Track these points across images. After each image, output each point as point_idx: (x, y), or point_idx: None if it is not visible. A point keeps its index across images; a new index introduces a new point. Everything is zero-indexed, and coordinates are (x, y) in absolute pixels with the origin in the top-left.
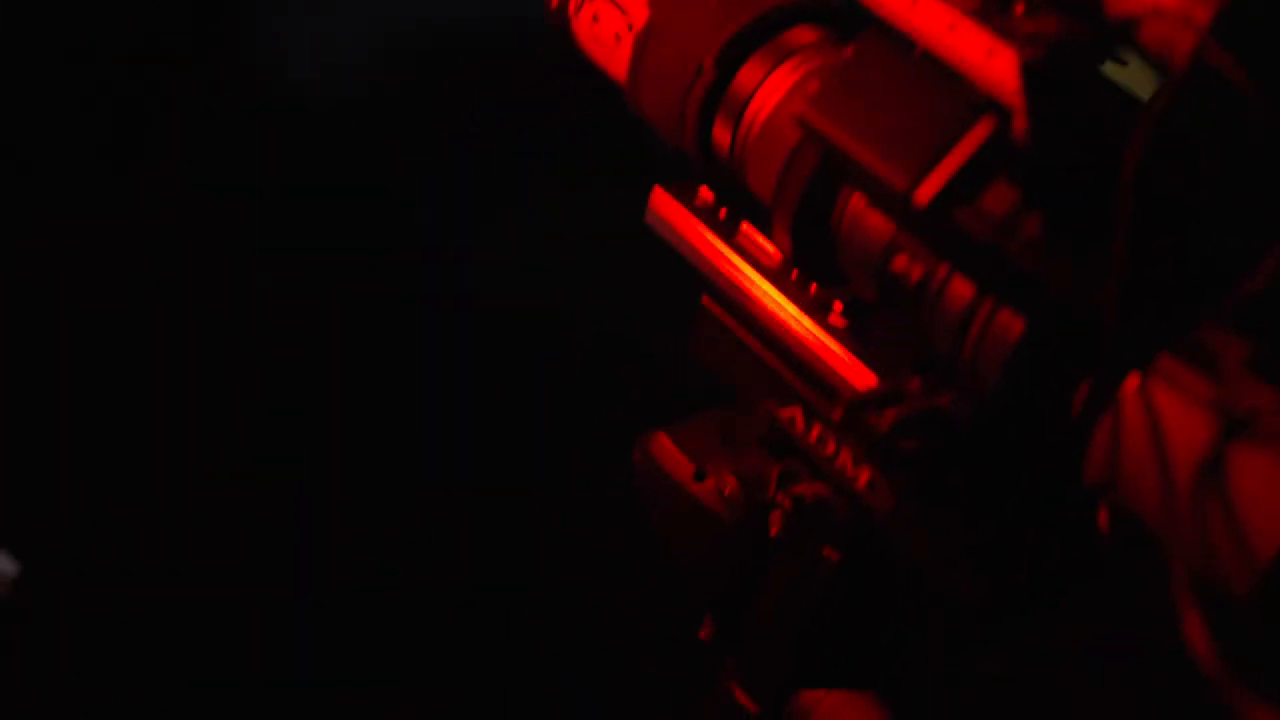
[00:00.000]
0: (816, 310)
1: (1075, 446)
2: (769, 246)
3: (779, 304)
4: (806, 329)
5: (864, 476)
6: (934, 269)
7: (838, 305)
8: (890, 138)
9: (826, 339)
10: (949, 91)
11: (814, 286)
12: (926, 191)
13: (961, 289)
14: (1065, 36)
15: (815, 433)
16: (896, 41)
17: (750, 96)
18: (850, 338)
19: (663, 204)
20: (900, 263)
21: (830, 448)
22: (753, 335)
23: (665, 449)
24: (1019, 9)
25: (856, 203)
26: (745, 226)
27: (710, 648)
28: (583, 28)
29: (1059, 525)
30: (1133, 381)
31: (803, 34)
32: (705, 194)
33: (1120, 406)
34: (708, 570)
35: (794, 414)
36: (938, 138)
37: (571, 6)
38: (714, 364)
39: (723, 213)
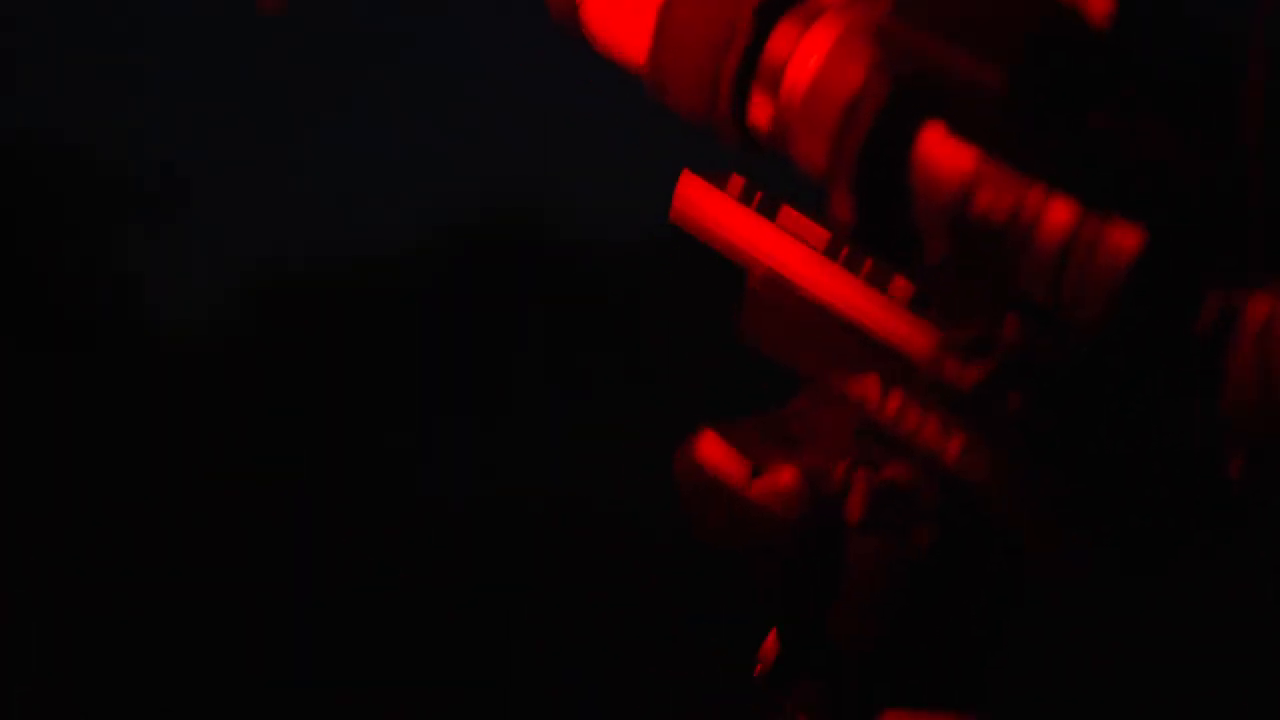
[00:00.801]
0: (877, 283)
1: (1205, 378)
2: (815, 228)
3: (839, 279)
4: (872, 300)
5: (955, 446)
6: (1024, 197)
7: (898, 279)
8: (977, 38)
9: (894, 309)
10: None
11: (869, 263)
12: (1026, 88)
13: (1060, 212)
14: None
15: (893, 406)
16: None
17: (788, 60)
18: (918, 306)
19: (693, 191)
20: (984, 199)
21: (912, 419)
22: (812, 313)
23: (716, 448)
24: None
25: (930, 141)
26: (786, 209)
27: (768, 683)
28: (594, 8)
29: (1184, 477)
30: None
31: None
32: (737, 181)
33: (1267, 323)
34: (774, 580)
35: (866, 388)
36: (1027, 32)
37: None
38: (769, 347)
39: (758, 197)
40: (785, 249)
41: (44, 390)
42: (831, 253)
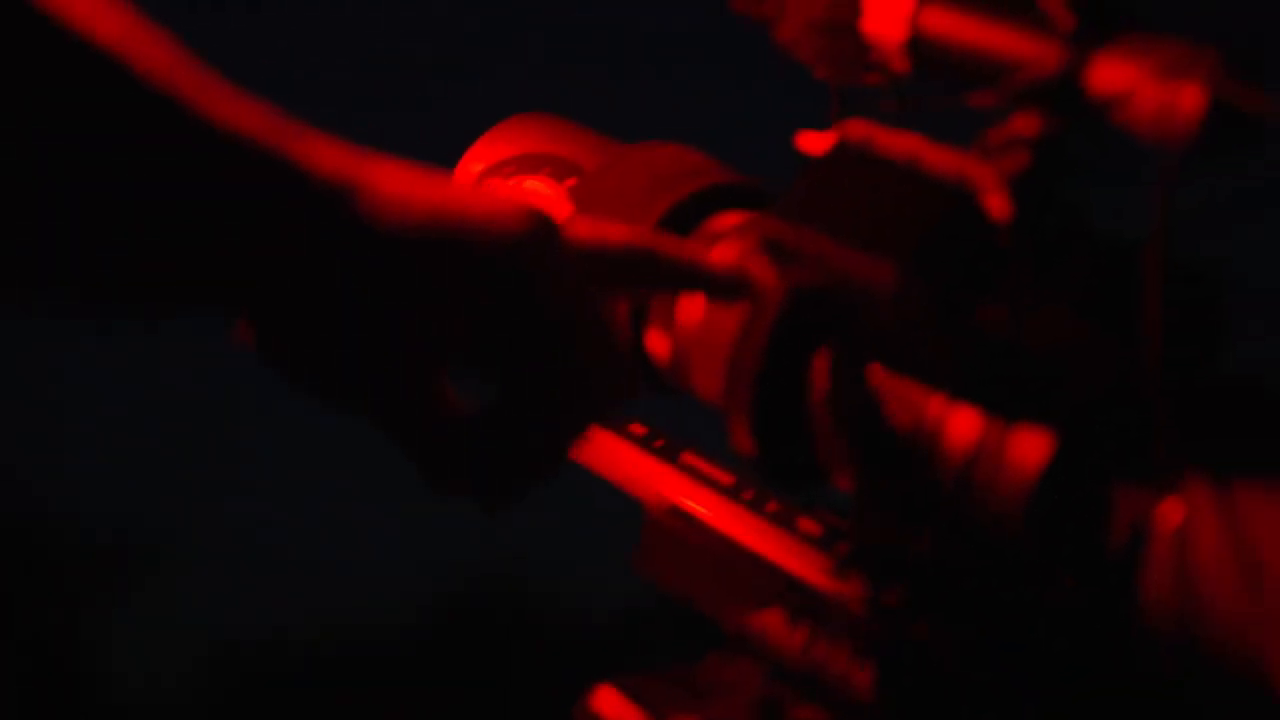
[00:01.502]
0: (782, 523)
1: (1120, 588)
2: (716, 472)
3: (742, 517)
4: (776, 538)
5: (866, 677)
6: (925, 407)
7: (803, 520)
8: (866, 234)
9: (800, 545)
10: (914, 187)
11: (773, 504)
12: (921, 284)
13: (963, 424)
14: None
15: (800, 639)
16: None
17: None
18: (823, 544)
19: (597, 439)
20: (888, 411)
21: (820, 651)
22: (713, 548)
23: (614, 703)
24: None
25: (825, 358)
26: (687, 455)
27: None
28: None
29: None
30: (1187, 493)
31: (727, 219)
32: (636, 429)
33: (1183, 523)
34: None
35: (771, 622)
36: (918, 227)
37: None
38: (666, 581)
39: (659, 442)
40: (687, 490)
41: None
42: (734, 494)
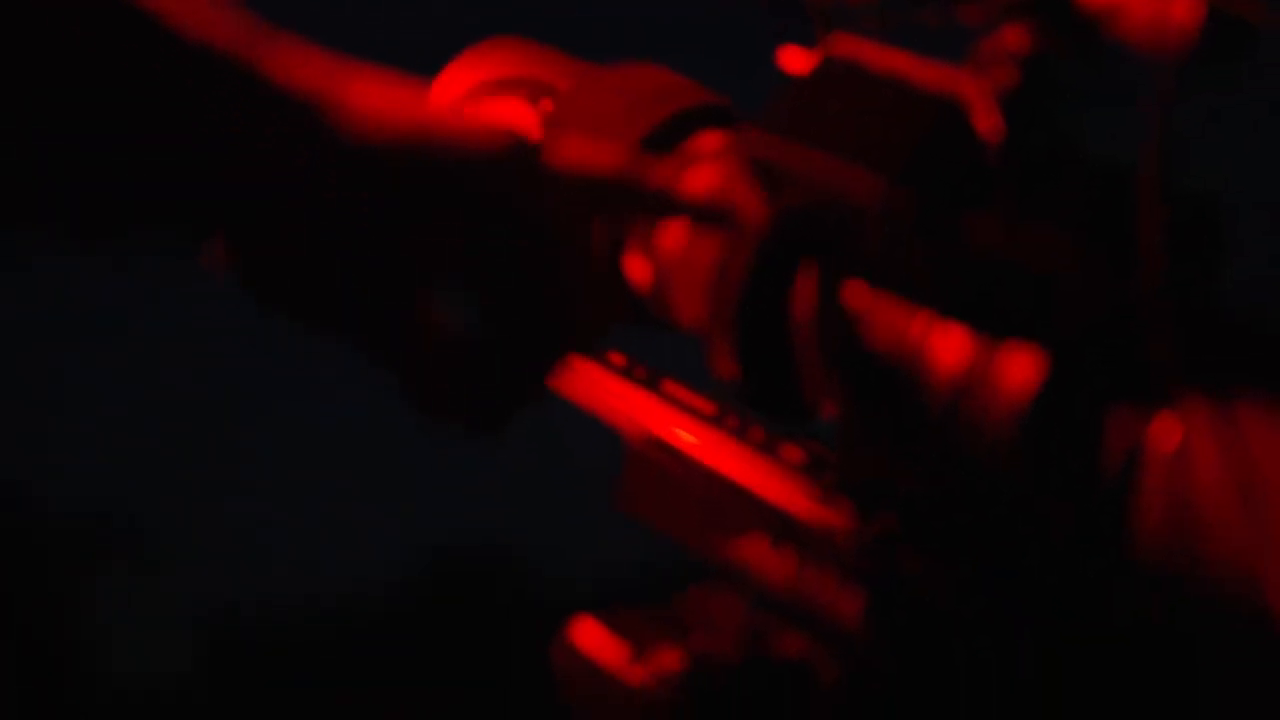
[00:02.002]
0: (766, 450)
1: (1112, 517)
2: (698, 400)
3: (725, 445)
4: (761, 466)
5: (852, 606)
6: (912, 330)
7: (788, 446)
8: (853, 151)
9: (785, 473)
10: (902, 102)
11: (757, 432)
12: (908, 197)
13: (952, 344)
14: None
15: (787, 566)
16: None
17: None
18: (809, 471)
19: (577, 369)
20: (873, 333)
21: (808, 579)
22: (696, 480)
23: (594, 635)
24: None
25: (812, 279)
26: (668, 384)
27: None
28: None
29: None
30: (1183, 415)
31: (709, 139)
32: (616, 358)
33: (1179, 446)
34: None
35: (756, 549)
36: (907, 142)
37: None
38: (649, 516)
39: (640, 371)
40: (669, 419)
41: None
42: (721, 420)
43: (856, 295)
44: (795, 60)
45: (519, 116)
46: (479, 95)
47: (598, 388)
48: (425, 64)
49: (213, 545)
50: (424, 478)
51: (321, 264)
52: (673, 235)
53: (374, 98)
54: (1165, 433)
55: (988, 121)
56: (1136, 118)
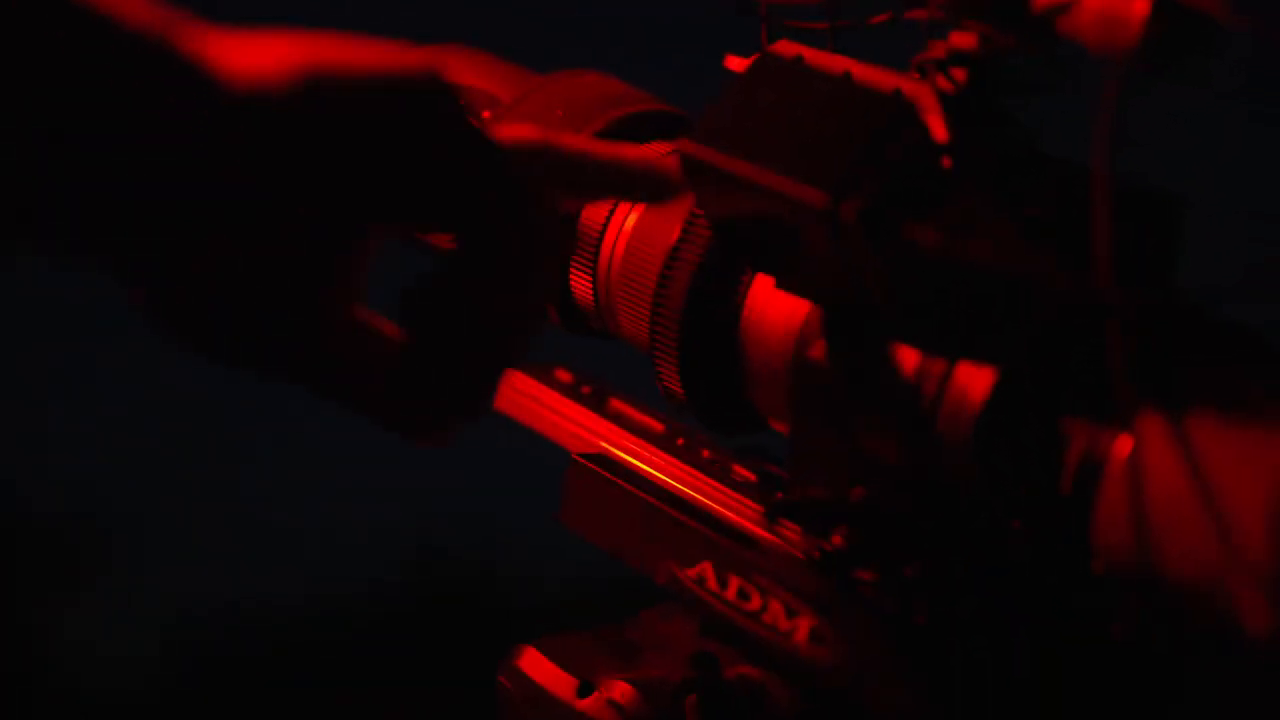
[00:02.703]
0: (717, 472)
1: (1072, 533)
2: (646, 418)
3: (672, 467)
4: (708, 487)
5: (803, 628)
6: (859, 336)
7: (736, 467)
8: (794, 156)
9: (731, 492)
10: (845, 105)
11: (706, 453)
12: (853, 204)
13: (905, 348)
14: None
15: (733, 590)
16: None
17: (605, 224)
18: (759, 490)
19: (520, 386)
20: (822, 345)
21: (755, 603)
22: (642, 498)
23: (539, 666)
24: None
25: (756, 294)
26: (615, 401)
27: None
28: None
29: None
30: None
31: (652, 150)
32: (562, 375)
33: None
34: None
35: (702, 571)
36: (851, 149)
37: None
38: (592, 531)
39: (586, 389)
40: (614, 439)
41: None
42: (669, 440)
43: (803, 307)
44: (739, 66)
45: None
46: None
47: (541, 405)
48: None
49: (214, 546)
50: (424, 478)
51: (242, 262)
52: (614, 249)
53: (254, 43)
54: (1124, 441)
55: (936, 125)
56: (1094, 116)
